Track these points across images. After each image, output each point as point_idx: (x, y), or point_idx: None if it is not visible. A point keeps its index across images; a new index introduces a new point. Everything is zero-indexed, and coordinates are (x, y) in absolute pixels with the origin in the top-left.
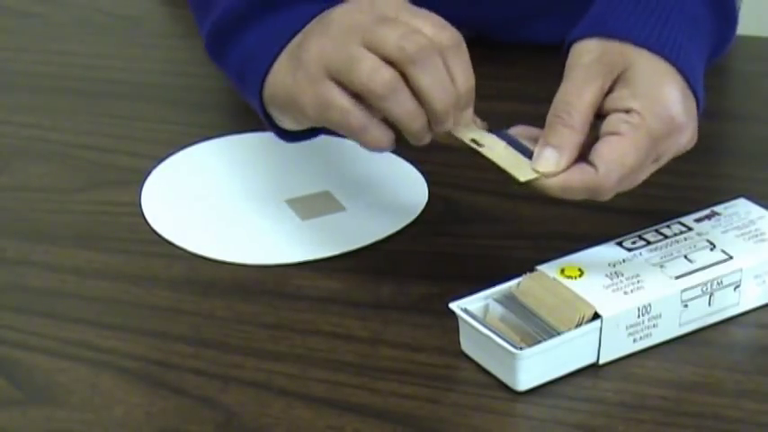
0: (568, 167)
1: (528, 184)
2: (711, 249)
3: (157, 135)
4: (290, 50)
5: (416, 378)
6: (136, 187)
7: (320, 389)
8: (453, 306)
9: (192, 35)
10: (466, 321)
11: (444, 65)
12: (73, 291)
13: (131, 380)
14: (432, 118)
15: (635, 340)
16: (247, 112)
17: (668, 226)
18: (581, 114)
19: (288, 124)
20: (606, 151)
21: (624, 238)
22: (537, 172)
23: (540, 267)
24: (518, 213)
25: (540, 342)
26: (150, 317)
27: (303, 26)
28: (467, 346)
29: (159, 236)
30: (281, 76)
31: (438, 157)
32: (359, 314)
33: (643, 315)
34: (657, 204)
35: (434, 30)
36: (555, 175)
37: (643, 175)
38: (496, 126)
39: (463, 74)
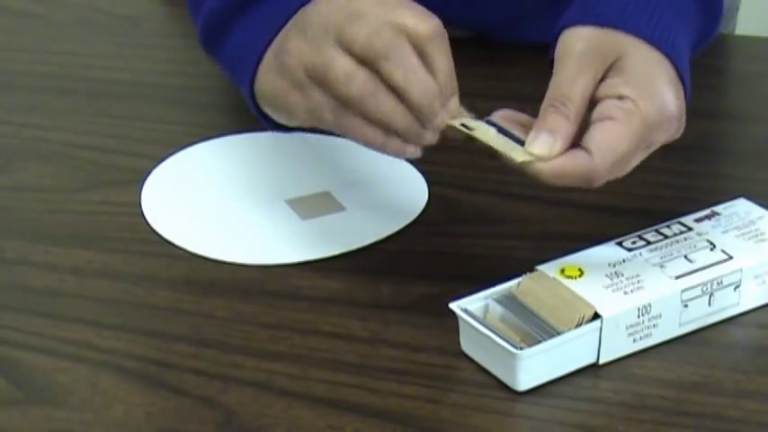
0: (562, 154)
1: (523, 167)
2: (711, 249)
3: (157, 135)
4: (273, 50)
5: (416, 378)
6: (136, 187)
7: (320, 389)
8: (453, 306)
9: (192, 35)
10: (466, 321)
11: (421, 56)
12: (73, 291)
13: (131, 380)
14: (415, 113)
15: (635, 340)
16: (247, 112)
17: (668, 226)
18: (575, 105)
19: (282, 121)
20: (600, 136)
21: (624, 238)
22: (531, 155)
23: (540, 267)
24: (518, 213)
25: (540, 342)
26: (150, 317)
27: (286, 20)
28: (467, 346)
29: (159, 236)
30: (269, 79)
31: (438, 157)
32: (359, 314)
33: (643, 315)
34: (657, 204)
35: (412, 20)
36: (549, 159)
37: (634, 163)
38: None
39: (442, 63)
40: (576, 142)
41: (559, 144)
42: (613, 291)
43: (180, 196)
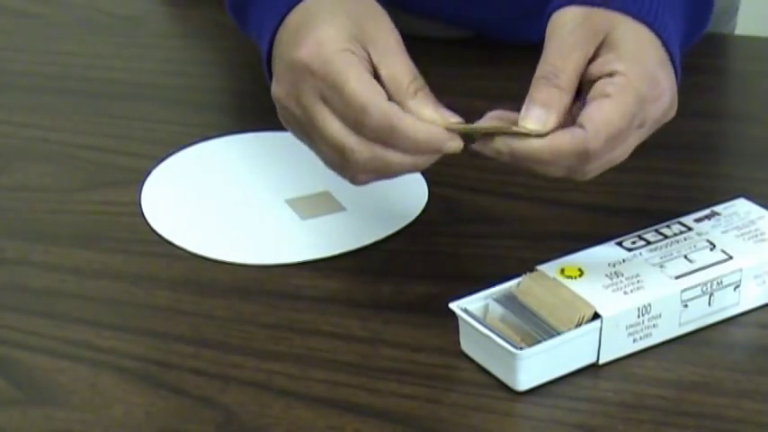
0: (556, 129)
1: (520, 159)
2: (711, 249)
3: (157, 135)
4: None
5: (416, 378)
6: (136, 187)
7: (320, 389)
8: (453, 306)
9: (192, 35)
10: (466, 321)
11: (390, 149)
12: (73, 291)
13: (131, 380)
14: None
15: (635, 340)
16: (247, 112)
17: (668, 226)
18: (568, 76)
19: None
20: (594, 112)
21: (624, 238)
22: (525, 129)
23: (540, 267)
24: (518, 213)
25: (540, 342)
26: (150, 317)
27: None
28: (467, 346)
29: (159, 236)
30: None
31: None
32: (359, 314)
33: (643, 315)
34: (657, 204)
35: (358, 122)
36: (542, 134)
37: (630, 141)
38: None
39: (411, 147)
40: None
41: (553, 117)
42: (613, 291)
43: (180, 196)
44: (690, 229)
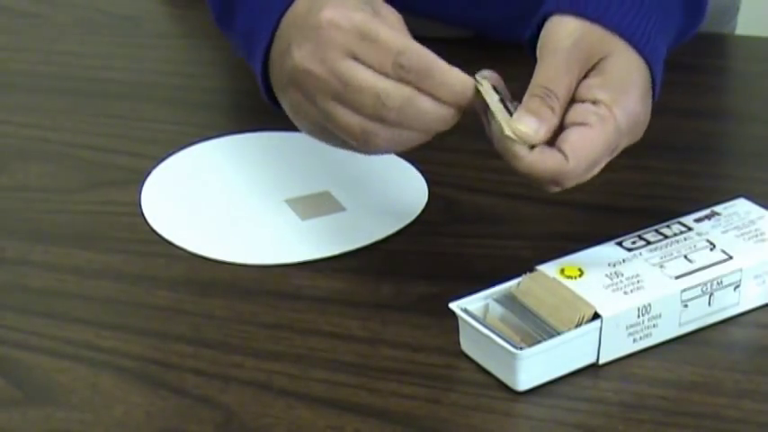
0: (543, 142)
1: (504, 145)
2: (711, 249)
3: (157, 135)
4: (278, 50)
5: (416, 378)
6: (136, 187)
7: (320, 389)
8: (453, 306)
9: (192, 35)
10: (466, 321)
11: (424, 92)
12: (73, 291)
13: (131, 380)
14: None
15: (635, 340)
16: (247, 112)
17: (668, 226)
18: (561, 102)
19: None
20: (576, 141)
21: (624, 238)
22: (517, 132)
23: (540, 267)
24: (518, 213)
25: (540, 342)
26: (150, 317)
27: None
28: (467, 346)
29: (159, 236)
30: (276, 75)
31: (438, 157)
32: (359, 314)
33: (643, 315)
34: (657, 204)
35: (395, 64)
36: (531, 142)
37: (601, 166)
38: None
39: (446, 91)
40: (552, 139)
41: (543, 131)
42: (613, 291)
43: (180, 196)
44: (690, 229)
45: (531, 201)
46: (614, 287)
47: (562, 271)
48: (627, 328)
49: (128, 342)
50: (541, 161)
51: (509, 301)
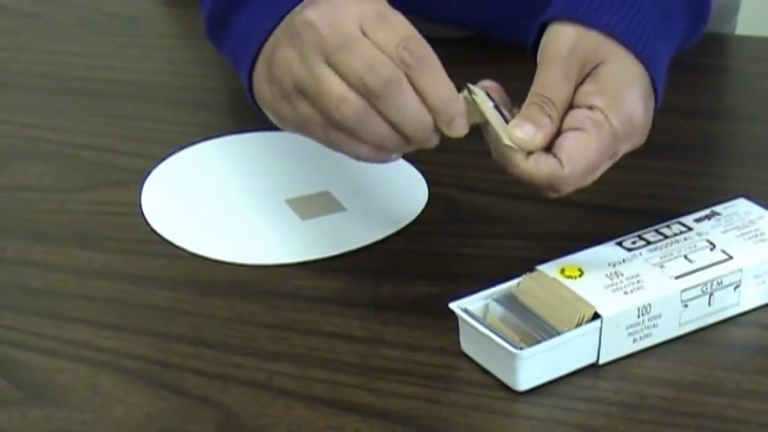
0: (540, 149)
1: (502, 152)
2: (711, 249)
3: (157, 135)
4: (265, 54)
5: (416, 378)
6: (136, 187)
7: (320, 389)
8: (453, 306)
9: (192, 35)
10: (466, 321)
11: (414, 86)
12: (73, 291)
13: (131, 380)
14: (409, 142)
15: (635, 340)
16: (247, 112)
17: (668, 226)
18: (558, 110)
19: (276, 124)
20: (571, 147)
21: (624, 238)
22: (514, 139)
23: (540, 267)
24: (518, 213)
25: (540, 342)
26: (150, 317)
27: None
28: (467, 346)
29: (159, 236)
30: (260, 85)
31: (438, 157)
32: (359, 314)
33: (643, 315)
34: (657, 204)
35: (399, 44)
36: (528, 149)
37: (600, 172)
38: None
39: (435, 91)
40: (550, 147)
41: (540, 137)
42: (613, 291)
43: (180, 196)
44: (690, 229)
45: (531, 201)
46: (614, 287)
47: (562, 271)
48: (627, 328)
49: (128, 342)
50: (537, 167)
51: (509, 301)
